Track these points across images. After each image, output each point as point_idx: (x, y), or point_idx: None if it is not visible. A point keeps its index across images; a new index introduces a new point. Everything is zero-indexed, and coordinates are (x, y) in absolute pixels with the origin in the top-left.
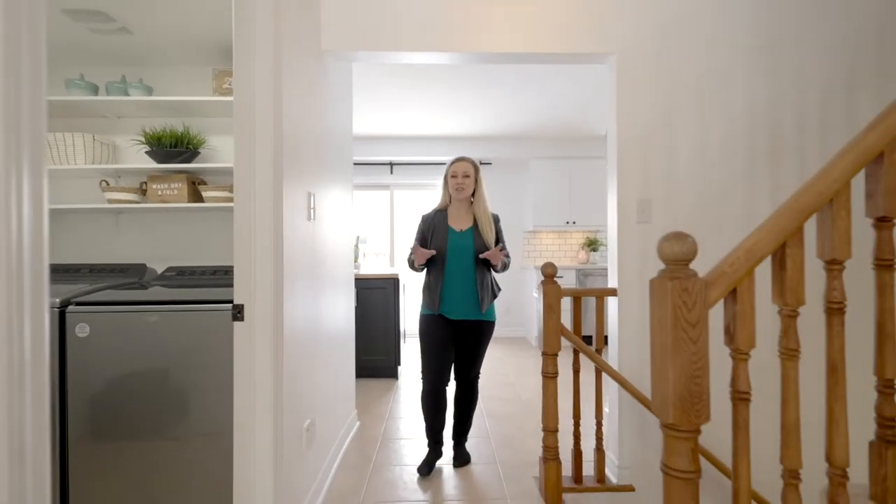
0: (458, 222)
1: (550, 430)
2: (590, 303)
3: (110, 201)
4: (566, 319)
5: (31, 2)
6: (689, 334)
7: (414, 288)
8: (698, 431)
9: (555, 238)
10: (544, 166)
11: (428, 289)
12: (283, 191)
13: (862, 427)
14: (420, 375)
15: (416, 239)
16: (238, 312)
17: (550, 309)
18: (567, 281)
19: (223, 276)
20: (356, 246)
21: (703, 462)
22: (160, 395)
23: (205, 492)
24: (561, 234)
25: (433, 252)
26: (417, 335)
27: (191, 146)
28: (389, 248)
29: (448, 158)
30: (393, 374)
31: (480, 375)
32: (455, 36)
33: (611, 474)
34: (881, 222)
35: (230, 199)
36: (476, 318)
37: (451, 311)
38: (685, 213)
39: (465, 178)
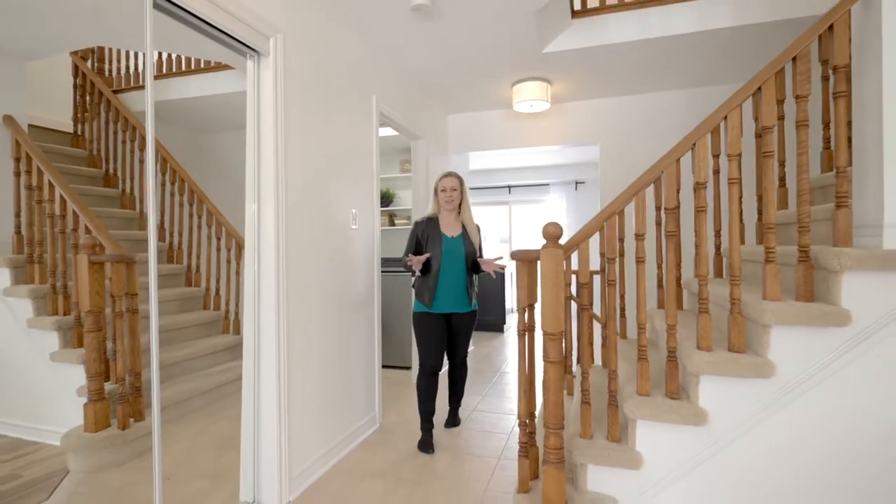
0: (450, 229)
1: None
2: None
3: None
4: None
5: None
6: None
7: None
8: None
9: None
10: None
11: (426, 288)
12: None
13: None
14: (418, 363)
15: (411, 242)
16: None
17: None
18: None
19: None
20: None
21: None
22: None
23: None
24: None
25: (429, 255)
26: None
27: (389, 197)
28: (508, 248)
29: (551, 181)
30: (500, 329)
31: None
32: (514, 139)
33: None
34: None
35: (408, 224)
36: (467, 311)
37: (444, 306)
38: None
39: (452, 191)
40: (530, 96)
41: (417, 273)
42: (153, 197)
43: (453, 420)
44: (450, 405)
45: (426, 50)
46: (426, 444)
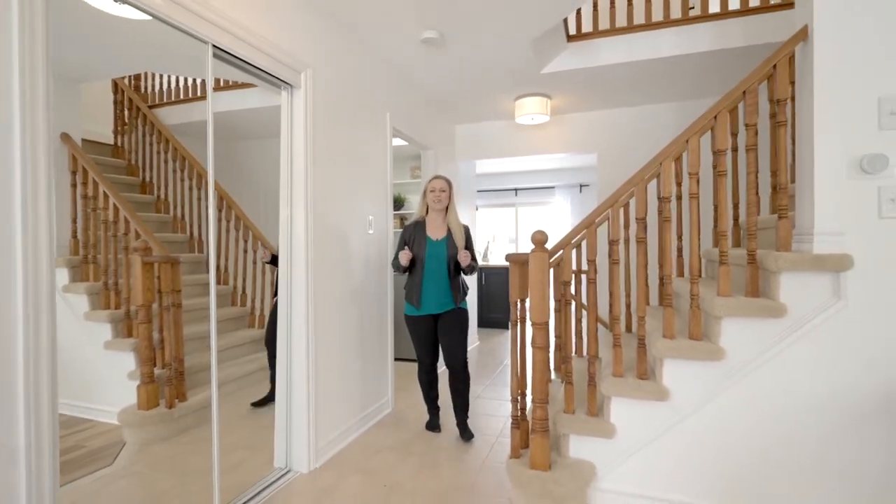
0: (435, 232)
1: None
2: None
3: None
4: None
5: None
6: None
7: None
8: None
9: None
10: None
11: (413, 289)
12: None
13: None
14: (417, 360)
15: (399, 246)
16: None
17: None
18: None
19: None
20: (486, 247)
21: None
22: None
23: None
24: None
25: (410, 255)
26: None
27: (400, 202)
28: (515, 248)
29: (556, 184)
30: (506, 326)
31: (469, 363)
32: (518, 147)
33: None
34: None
35: None
36: (451, 308)
37: (430, 307)
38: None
39: (441, 192)
40: (531, 110)
41: (404, 264)
42: (213, 228)
43: (465, 432)
44: (457, 418)
45: (435, 73)
46: (433, 425)
